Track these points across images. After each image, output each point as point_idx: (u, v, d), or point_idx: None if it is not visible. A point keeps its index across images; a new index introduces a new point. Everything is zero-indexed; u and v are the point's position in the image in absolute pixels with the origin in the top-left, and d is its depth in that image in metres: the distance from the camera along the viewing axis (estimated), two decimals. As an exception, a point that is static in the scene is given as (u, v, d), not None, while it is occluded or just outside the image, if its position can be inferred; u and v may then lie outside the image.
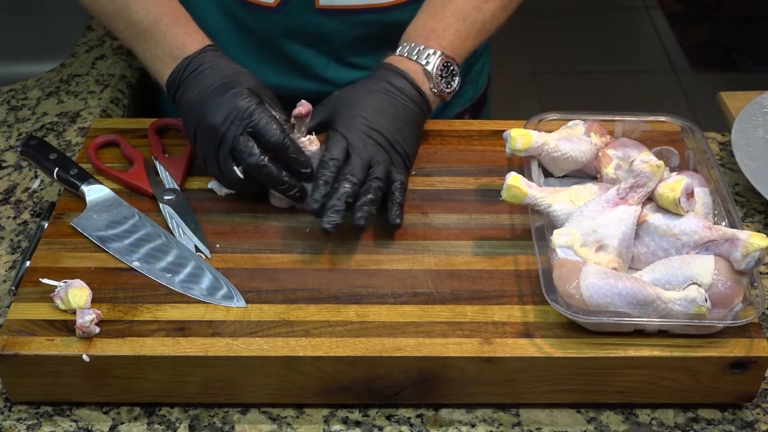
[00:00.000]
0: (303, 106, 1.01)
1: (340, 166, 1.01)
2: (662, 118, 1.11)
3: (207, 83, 1.03)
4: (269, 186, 1.02)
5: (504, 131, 1.05)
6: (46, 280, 0.95)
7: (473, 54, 1.33)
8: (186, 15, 1.11)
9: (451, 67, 1.10)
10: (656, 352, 0.88)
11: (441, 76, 1.09)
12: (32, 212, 1.13)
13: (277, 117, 1.02)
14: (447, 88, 1.10)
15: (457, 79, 1.11)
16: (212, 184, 1.08)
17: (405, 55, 1.10)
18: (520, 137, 1.03)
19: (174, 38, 1.07)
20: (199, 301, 0.94)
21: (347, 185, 0.99)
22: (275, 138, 0.99)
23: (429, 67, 1.09)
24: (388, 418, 0.91)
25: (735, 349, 0.89)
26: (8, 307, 0.96)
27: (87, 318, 0.88)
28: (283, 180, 1.00)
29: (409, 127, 1.07)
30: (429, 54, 1.09)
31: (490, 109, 1.48)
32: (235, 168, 1.01)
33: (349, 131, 1.03)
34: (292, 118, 1.02)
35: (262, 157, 0.99)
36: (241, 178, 1.01)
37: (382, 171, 1.01)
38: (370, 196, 0.99)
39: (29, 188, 1.17)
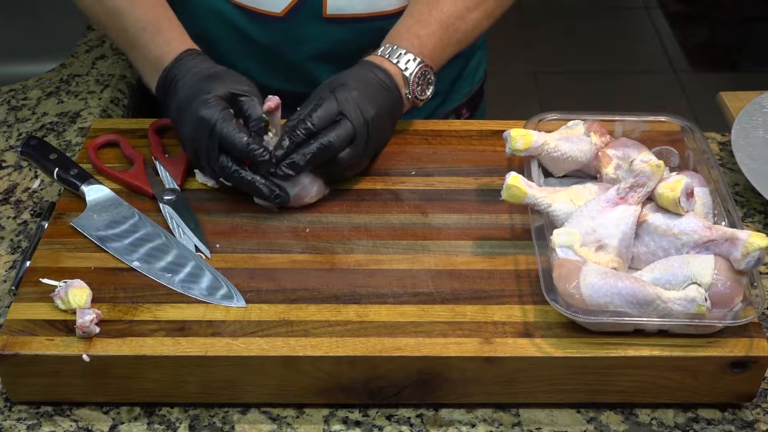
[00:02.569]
0: (272, 101, 1.02)
1: (315, 131, 1.01)
2: (662, 118, 1.11)
3: (178, 97, 1.05)
4: (250, 193, 1.04)
5: (504, 131, 1.05)
6: (46, 280, 0.95)
7: (470, 48, 1.33)
8: (170, 19, 1.12)
9: (428, 76, 1.12)
10: (656, 352, 0.88)
11: (417, 83, 1.10)
12: (32, 212, 1.13)
13: (251, 116, 1.02)
14: (421, 95, 1.12)
15: (431, 88, 1.13)
16: (202, 179, 1.09)
17: (386, 56, 1.10)
18: (520, 137, 1.04)
19: (155, 48, 1.09)
20: (199, 301, 0.94)
21: (303, 128, 1.01)
22: (239, 147, 1.00)
23: (407, 73, 1.10)
24: (388, 418, 0.91)
25: (735, 348, 0.89)
26: (8, 307, 0.96)
27: (87, 318, 0.89)
28: (258, 187, 1.01)
29: (390, 122, 1.09)
30: (409, 59, 1.10)
31: (486, 105, 1.49)
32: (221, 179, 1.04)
33: (344, 100, 1.03)
34: (265, 114, 1.03)
35: (234, 167, 1.01)
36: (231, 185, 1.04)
37: (337, 137, 1.01)
38: (312, 149, 1.00)
39: (29, 188, 1.17)
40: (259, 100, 1.04)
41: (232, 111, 1.03)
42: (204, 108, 1.01)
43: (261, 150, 1.00)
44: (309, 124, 1.01)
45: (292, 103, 1.08)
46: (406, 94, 1.10)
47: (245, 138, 1.00)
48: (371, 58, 1.11)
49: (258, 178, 1.02)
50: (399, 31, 1.14)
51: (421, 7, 1.14)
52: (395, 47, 1.11)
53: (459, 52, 1.19)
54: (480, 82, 1.44)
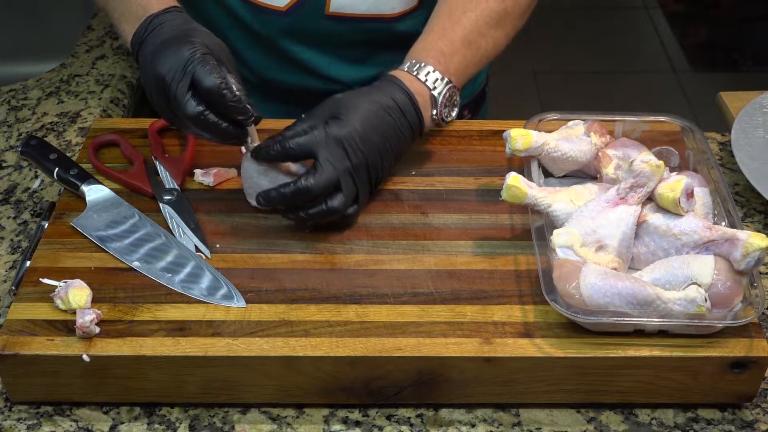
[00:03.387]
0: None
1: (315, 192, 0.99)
2: (662, 118, 1.11)
3: (161, 38, 1.01)
4: (212, 137, 0.99)
5: (504, 131, 1.05)
6: (46, 280, 0.95)
7: None
8: None
9: (455, 98, 1.10)
10: (656, 352, 0.88)
11: (445, 105, 1.09)
12: (32, 212, 1.13)
13: (220, 67, 0.98)
14: (447, 117, 1.10)
15: (456, 110, 1.11)
16: (200, 178, 1.09)
17: (414, 73, 1.07)
18: (520, 137, 1.03)
19: None
20: (199, 301, 0.94)
21: (303, 194, 0.98)
22: (210, 84, 0.95)
23: (436, 93, 1.07)
24: (388, 418, 0.91)
25: (735, 349, 0.89)
26: (8, 307, 0.96)
27: (87, 318, 0.88)
28: (222, 129, 0.98)
29: (393, 154, 1.05)
30: (437, 79, 1.08)
31: (488, 106, 1.48)
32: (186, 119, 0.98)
33: (336, 145, 0.99)
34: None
35: (199, 107, 0.96)
36: (195, 130, 0.99)
37: (341, 203, 0.99)
38: (312, 212, 0.99)
39: (29, 188, 1.17)
40: (235, 72, 1.01)
41: (213, 58, 0.98)
42: (185, 48, 0.97)
43: (232, 95, 0.96)
44: (287, 146, 0.99)
45: (299, 97, 1.08)
46: (432, 115, 1.08)
47: (219, 80, 0.95)
48: (398, 74, 1.08)
49: (222, 121, 0.97)
50: (424, 47, 1.11)
51: (443, 23, 1.12)
52: (423, 64, 1.08)
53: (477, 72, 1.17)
54: (482, 84, 1.44)
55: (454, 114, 1.11)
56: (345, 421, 0.91)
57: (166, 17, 1.04)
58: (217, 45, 1.01)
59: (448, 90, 1.08)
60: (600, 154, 1.05)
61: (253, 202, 1.04)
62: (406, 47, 1.12)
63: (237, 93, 0.97)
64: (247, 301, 0.94)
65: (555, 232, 0.94)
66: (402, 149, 1.07)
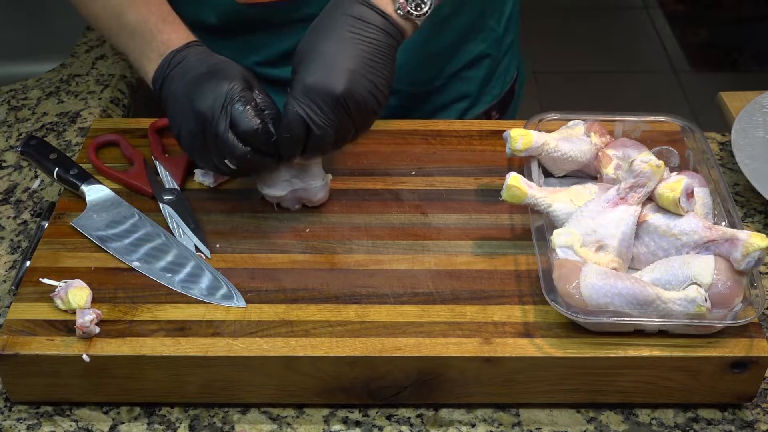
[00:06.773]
0: None
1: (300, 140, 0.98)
2: (662, 118, 1.11)
3: (192, 72, 1.00)
4: (256, 172, 1.01)
5: (504, 131, 1.05)
6: (46, 280, 0.95)
7: (499, 49, 1.27)
8: (174, 14, 1.09)
9: None
10: (656, 352, 0.88)
11: None
12: (32, 212, 1.13)
13: (260, 102, 0.97)
14: (415, 9, 0.98)
15: (429, 1, 0.99)
16: (200, 178, 1.09)
17: None
18: (520, 137, 1.04)
19: (160, 35, 1.05)
20: (199, 301, 0.94)
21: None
22: (246, 126, 0.95)
23: None
24: (388, 418, 0.91)
25: (735, 349, 0.89)
26: (8, 307, 0.96)
27: (87, 318, 0.89)
28: (268, 166, 0.99)
29: (378, 64, 0.97)
30: None
31: (517, 105, 1.45)
32: (226, 160, 0.98)
33: (315, 102, 0.95)
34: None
35: (246, 149, 0.96)
36: (234, 169, 0.98)
37: (325, 136, 0.96)
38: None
39: (29, 188, 1.17)
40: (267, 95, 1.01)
41: (252, 94, 0.98)
42: (225, 83, 0.97)
43: (266, 136, 0.96)
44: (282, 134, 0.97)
45: None
46: (396, 10, 0.97)
47: (258, 122, 0.95)
48: None
49: (267, 157, 0.98)
50: None
51: None
52: None
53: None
54: (511, 81, 1.40)
55: (425, 7, 0.98)
56: (345, 421, 0.91)
57: (189, 51, 1.03)
58: (244, 72, 1.00)
59: None
60: (600, 154, 1.05)
61: (269, 192, 1.03)
62: None
63: (274, 133, 0.97)
64: (247, 301, 0.94)
65: (555, 232, 0.94)
66: (385, 56, 0.98)
